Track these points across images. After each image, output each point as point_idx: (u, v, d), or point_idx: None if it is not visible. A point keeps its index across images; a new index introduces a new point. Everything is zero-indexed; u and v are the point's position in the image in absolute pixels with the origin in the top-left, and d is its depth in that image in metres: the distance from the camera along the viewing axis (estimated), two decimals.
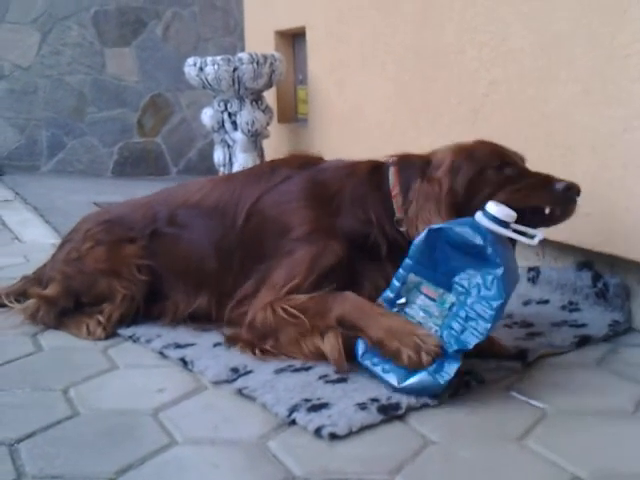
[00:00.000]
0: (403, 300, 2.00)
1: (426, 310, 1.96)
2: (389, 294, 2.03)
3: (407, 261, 2.01)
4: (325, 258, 2.17)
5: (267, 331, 2.11)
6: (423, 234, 1.99)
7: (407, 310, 1.99)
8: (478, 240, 1.90)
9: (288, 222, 2.26)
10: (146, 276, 2.45)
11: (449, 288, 1.94)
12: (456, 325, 1.87)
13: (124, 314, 2.44)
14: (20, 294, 2.64)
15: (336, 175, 2.32)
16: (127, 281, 2.43)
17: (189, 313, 2.42)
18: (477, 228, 1.92)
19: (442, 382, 1.82)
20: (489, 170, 2.17)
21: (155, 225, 2.51)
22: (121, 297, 2.42)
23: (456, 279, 1.94)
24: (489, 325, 1.84)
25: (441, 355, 1.82)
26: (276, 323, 2.09)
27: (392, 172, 2.27)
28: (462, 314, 1.88)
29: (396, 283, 2.02)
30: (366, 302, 2.04)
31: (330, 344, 2.00)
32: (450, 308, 1.92)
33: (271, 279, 2.19)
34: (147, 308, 2.48)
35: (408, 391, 1.83)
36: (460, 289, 1.92)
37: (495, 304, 1.84)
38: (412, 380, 1.84)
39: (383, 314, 1.98)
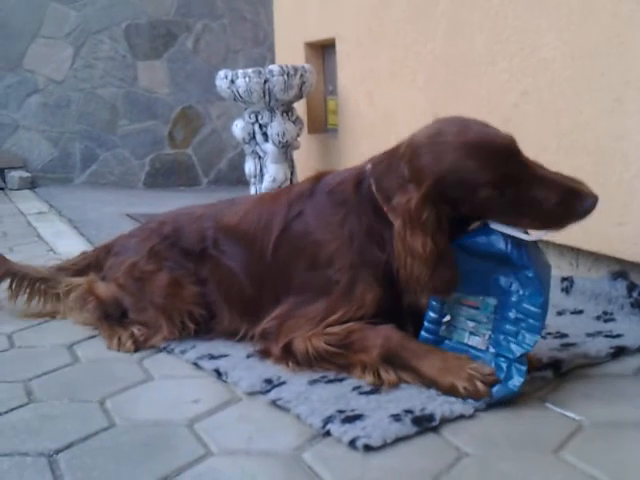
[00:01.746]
0: (448, 317, 2.02)
1: (473, 319, 1.98)
2: (432, 315, 2.04)
3: None
4: (365, 301, 2.13)
5: (305, 361, 2.11)
6: None
7: (455, 324, 2.01)
8: (500, 246, 1.91)
9: (313, 256, 2.22)
10: (195, 324, 2.47)
11: (487, 292, 1.96)
12: (509, 327, 1.90)
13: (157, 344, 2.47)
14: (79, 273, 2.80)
15: (336, 200, 2.23)
16: (174, 326, 2.46)
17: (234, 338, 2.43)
18: (496, 235, 1.93)
19: (516, 389, 1.85)
20: (488, 191, 1.88)
21: (204, 244, 2.53)
22: (162, 337, 2.44)
23: (491, 282, 1.95)
24: (539, 323, 1.87)
25: (497, 381, 1.85)
26: (317, 357, 2.09)
27: (373, 187, 2.12)
28: (511, 316, 1.90)
29: (435, 304, 2.03)
30: (410, 339, 2.02)
31: (387, 379, 1.98)
32: (495, 311, 1.94)
33: (308, 311, 2.18)
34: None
35: (488, 404, 1.84)
36: (498, 290, 1.94)
37: (539, 302, 1.87)
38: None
39: (430, 351, 1.98)
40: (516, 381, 1.85)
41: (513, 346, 1.88)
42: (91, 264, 2.81)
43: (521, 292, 1.89)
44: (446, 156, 1.92)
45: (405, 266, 1.98)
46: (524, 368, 1.86)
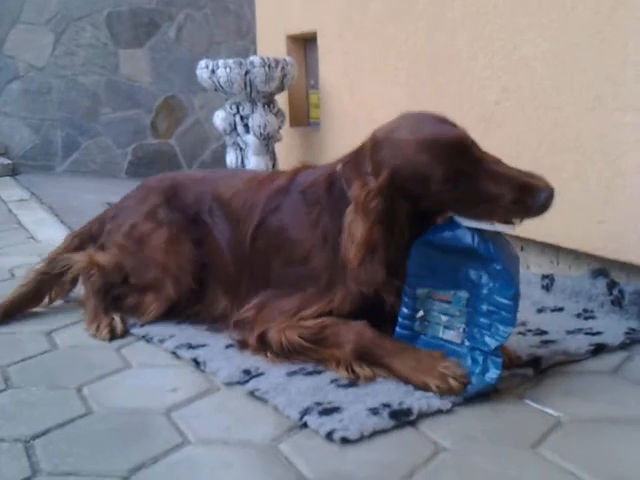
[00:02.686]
0: (421, 313, 2.03)
1: (446, 313, 1.99)
2: (405, 311, 2.04)
3: (409, 278, 2.03)
4: (340, 299, 2.14)
5: (280, 352, 2.12)
6: (413, 249, 2.01)
7: (429, 319, 2.02)
8: (467, 240, 1.92)
9: (289, 253, 2.25)
10: (196, 284, 2.49)
11: (458, 286, 1.97)
12: (482, 320, 1.91)
13: (160, 312, 2.50)
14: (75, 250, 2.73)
15: (309, 200, 2.25)
16: (178, 284, 2.48)
17: (216, 314, 2.45)
18: (461, 229, 1.94)
19: (492, 382, 1.86)
20: (439, 185, 1.91)
21: (199, 207, 2.55)
22: (166, 297, 2.48)
23: (461, 275, 1.96)
24: (512, 315, 1.88)
25: (468, 382, 1.86)
26: (291, 349, 2.10)
27: (345, 186, 2.12)
28: (483, 308, 1.91)
29: (407, 299, 2.04)
30: (383, 336, 2.03)
31: (362, 374, 1.98)
32: (467, 304, 1.95)
33: (283, 303, 2.20)
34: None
35: (466, 398, 1.85)
36: (469, 283, 1.95)
37: (509, 294, 1.88)
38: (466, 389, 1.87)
39: (403, 349, 1.99)
40: (492, 374, 1.86)
41: (487, 339, 1.89)
42: (84, 240, 2.76)
43: (491, 285, 1.90)
44: (400, 151, 1.97)
45: (343, 248, 2.02)
46: (499, 360, 1.87)
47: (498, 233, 1.96)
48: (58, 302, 2.77)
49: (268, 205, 2.35)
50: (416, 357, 1.95)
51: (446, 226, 1.98)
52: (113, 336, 2.41)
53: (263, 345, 2.15)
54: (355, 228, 1.97)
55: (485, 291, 1.91)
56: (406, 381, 1.92)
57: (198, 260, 2.50)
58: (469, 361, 1.92)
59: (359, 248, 1.96)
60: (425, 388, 1.87)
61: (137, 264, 2.54)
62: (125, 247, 2.58)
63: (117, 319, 2.47)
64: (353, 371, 1.99)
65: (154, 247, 2.52)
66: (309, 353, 2.09)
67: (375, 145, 2.05)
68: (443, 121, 2.00)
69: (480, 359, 1.89)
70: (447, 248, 1.96)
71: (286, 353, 2.11)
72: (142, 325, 2.48)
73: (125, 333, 2.45)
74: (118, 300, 2.57)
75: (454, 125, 2.00)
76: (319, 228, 2.20)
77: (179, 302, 2.50)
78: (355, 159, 2.12)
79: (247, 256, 2.38)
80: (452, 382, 1.85)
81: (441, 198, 1.94)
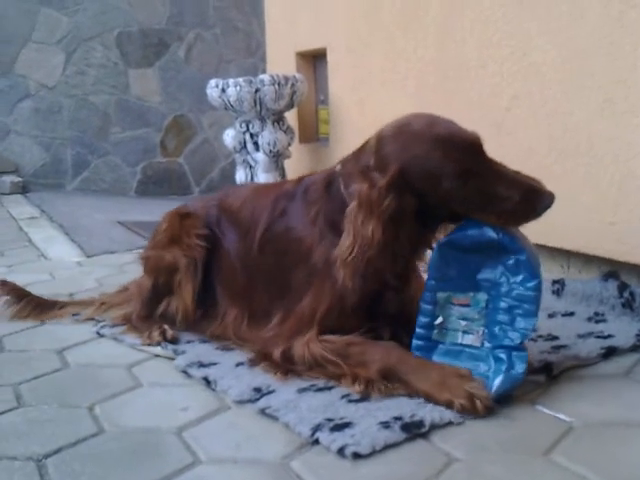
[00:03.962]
0: (440, 319, 2.01)
1: (465, 317, 1.98)
2: (423, 319, 2.02)
3: (429, 282, 2.01)
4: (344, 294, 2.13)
5: (302, 366, 2.11)
6: (434, 252, 2.00)
7: (447, 326, 2.00)
8: (491, 234, 1.92)
9: (295, 253, 2.26)
10: (207, 244, 2.54)
11: (477, 288, 1.96)
12: (502, 317, 1.90)
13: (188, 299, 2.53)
14: None
15: (309, 200, 2.27)
16: (187, 248, 2.53)
17: (227, 322, 2.47)
18: (485, 225, 1.93)
19: (520, 376, 1.87)
20: (450, 182, 1.91)
21: (208, 220, 2.59)
22: (185, 263, 2.51)
23: (480, 277, 1.96)
24: (534, 307, 1.88)
25: (492, 406, 1.82)
26: (314, 363, 2.09)
27: (342, 185, 2.14)
28: (503, 305, 1.90)
29: (427, 307, 2.02)
30: (410, 354, 2.01)
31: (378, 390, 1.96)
32: (486, 306, 1.94)
33: (298, 311, 2.19)
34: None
35: (499, 394, 1.84)
36: (487, 284, 1.94)
37: (533, 285, 1.88)
38: (495, 387, 1.85)
39: (429, 366, 1.96)
40: (519, 368, 1.86)
41: (511, 334, 1.88)
42: None
43: (512, 280, 1.90)
44: (413, 146, 1.95)
45: (344, 246, 1.98)
46: (525, 354, 1.87)
47: (517, 228, 1.97)
48: (69, 320, 2.81)
49: (275, 210, 2.37)
50: (442, 374, 1.90)
51: (469, 224, 1.96)
52: (164, 338, 2.46)
53: (285, 360, 2.13)
54: (364, 227, 1.94)
55: (504, 288, 1.91)
56: (428, 397, 1.88)
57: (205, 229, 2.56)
58: (491, 362, 1.90)
59: (370, 246, 1.93)
60: (448, 405, 1.83)
61: (155, 256, 2.62)
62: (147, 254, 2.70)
63: (166, 327, 2.52)
64: (367, 387, 1.96)
65: (162, 233, 2.64)
66: (330, 367, 2.06)
67: (382, 139, 2.02)
68: (454, 122, 2.00)
69: (504, 356, 1.88)
70: (469, 246, 1.95)
71: (307, 367, 2.09)
72: (164, 339, 2.50)
73: (175, 340, 2.48)
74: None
75: (464, 127, 2.00)
76: (316, 226, 2.20)
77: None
78: (356, 156, 2.12)
79: (257, 262, 2.40)
80: (478, 404, 1.80)
81: (450, 197, 1.93)
